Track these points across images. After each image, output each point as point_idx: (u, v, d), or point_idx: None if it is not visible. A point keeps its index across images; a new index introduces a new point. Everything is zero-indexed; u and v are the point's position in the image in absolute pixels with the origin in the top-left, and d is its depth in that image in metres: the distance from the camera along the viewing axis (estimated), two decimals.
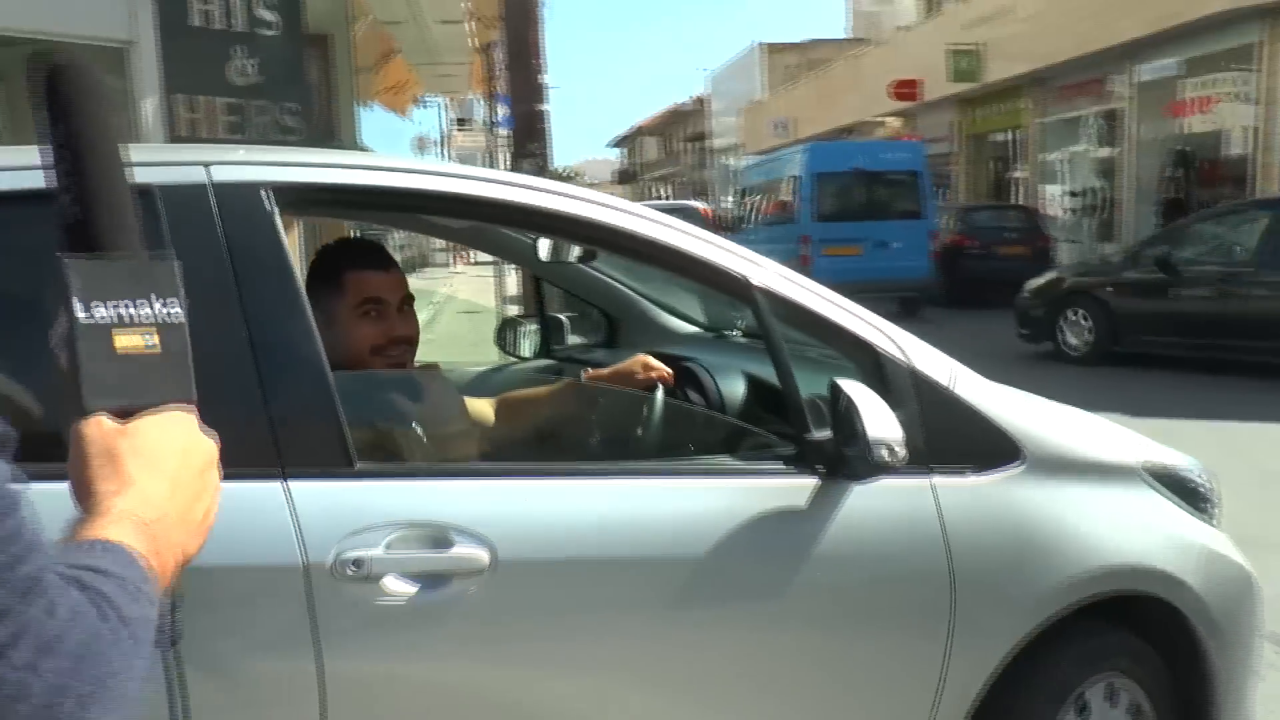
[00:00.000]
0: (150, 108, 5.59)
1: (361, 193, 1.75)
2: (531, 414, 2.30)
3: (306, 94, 6.57)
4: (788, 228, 14.44)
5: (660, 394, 2.16)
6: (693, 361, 2.47)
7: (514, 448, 2.18)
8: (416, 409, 1.98)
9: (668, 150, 61.28)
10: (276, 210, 1.60)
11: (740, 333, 2.94)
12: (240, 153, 1.70)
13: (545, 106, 7.49)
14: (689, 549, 1.70)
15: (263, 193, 1.60)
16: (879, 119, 25.30)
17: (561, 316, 3.19)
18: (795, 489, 1.78)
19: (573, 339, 3.16)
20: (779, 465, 1.84)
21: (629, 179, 67.68)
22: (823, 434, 1.78)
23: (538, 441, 2.24)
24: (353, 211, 2.80)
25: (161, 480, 0.79)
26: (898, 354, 1.93)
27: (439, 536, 1.56)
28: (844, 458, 1.74)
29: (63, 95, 0.83)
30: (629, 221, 1.84)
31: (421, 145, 35.55)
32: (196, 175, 1.57)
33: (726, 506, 1.74)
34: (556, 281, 3.13)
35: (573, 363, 2.93)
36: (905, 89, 21.98)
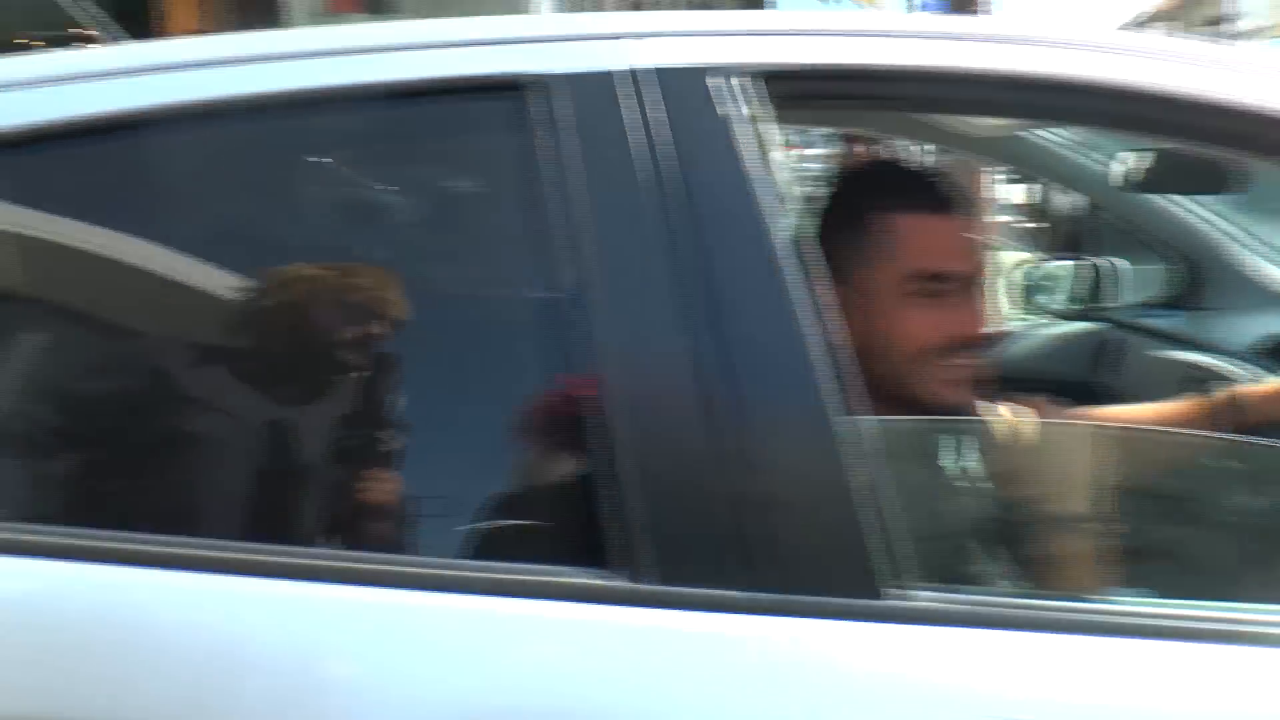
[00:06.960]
0: None
1: (888, 79, 0.98)
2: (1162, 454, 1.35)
3: None
4: None
5: None
6: None
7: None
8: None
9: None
10: (755, 112, 0.92)
11: None
12: (671, 20, 0.99)
13: None
14: None
15: (730, 83, 0.91)
16: None
17: (1113, 261, 2.31)
18: None
19: (1128, 295, 2.31)
20: None
21: None
22: None
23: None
24: (854, 111, 1.97)
25: None
26: None
27: None
28: None
29: None
30: None
31: None
32: (606, 57, 0.92)
33: None
34: (1115, 214, 2.27)
35: (1126, 330, 2.09)
36: None
